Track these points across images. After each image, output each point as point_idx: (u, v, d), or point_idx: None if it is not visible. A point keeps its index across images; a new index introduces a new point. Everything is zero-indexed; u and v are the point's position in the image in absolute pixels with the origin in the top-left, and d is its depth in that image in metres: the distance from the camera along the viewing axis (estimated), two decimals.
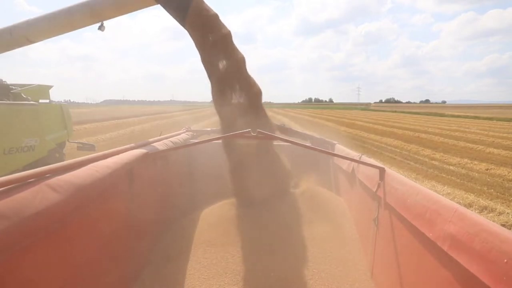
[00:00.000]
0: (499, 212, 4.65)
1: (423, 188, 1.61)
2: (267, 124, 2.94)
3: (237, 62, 2.85)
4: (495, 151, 10.45)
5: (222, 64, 2.82)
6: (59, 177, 1.33)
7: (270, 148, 3.12)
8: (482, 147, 11.36)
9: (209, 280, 2.07)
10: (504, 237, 0.98)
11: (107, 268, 1.71)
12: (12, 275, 1.04)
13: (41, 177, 1.28)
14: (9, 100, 4.22)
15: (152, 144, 2.67)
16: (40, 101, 4.81)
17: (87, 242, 1.50)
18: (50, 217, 1.18)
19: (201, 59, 2.86)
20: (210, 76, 2.86)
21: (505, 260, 0.93)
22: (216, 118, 3.06)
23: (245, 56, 2.92)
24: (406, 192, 1.67)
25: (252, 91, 2.86)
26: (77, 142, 5.86)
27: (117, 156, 1.94)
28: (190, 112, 46.35)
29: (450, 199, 1.43)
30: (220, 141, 3.03)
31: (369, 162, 2.29)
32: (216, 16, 2.81)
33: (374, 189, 2.10)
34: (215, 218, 2.82)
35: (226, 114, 2.84)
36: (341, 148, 3.40)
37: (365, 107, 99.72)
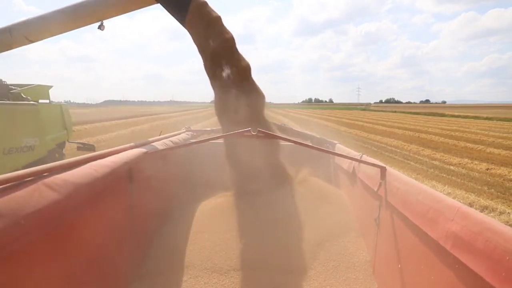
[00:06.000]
0: (500, 212, 4.65)
1: (425, 187, 1.60)
2: (259, 98, 2.95)
3: (242, 69, 2.85)
4: (496, 151, 10.44)
5: (225, 73, 2.81)
6: (57, 176, 1.32)
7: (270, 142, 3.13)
8: (483, 147, 11.35)
9: (208, 274, 2.09)
10: (508, 236, 0.97)
11: (105, 267, 1.69)
12: (9, 274, 1.03)
13: (39, 175, 1.27)
14: (9, 100, 4.21)
15: (151, 144, 2.65)
16: (40, 101, 4.81)
17: (85, 241, 1.48)
18: (48, 216, 1.16)
19: (204, 65, 2.87)
20: (213, 85, 2.89)
21: (507, 258, 0.92)
22: (215, 119, 3.06)
23: (244, 56, 2.91)
24: (408, 191, 1.66)
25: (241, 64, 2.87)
26: (77, 142, 5.86)
27: (116, 155, 1.93)
28: (190, 112, 46.37)
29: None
30: (219, 140, 3.02)
31: (370, 161, 2.28)
32: (218, 18, 2.80)
33: (376, 188, 2.09)
34: (214, 208, 2.84)
35: (218, 86, 2.87)
36: (341, 148, 3.39)
37: (365, 107, 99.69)
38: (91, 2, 3.02)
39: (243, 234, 2.41)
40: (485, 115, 36.20)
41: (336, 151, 3.23)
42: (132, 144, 2.38)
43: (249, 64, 2.87)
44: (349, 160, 2.74)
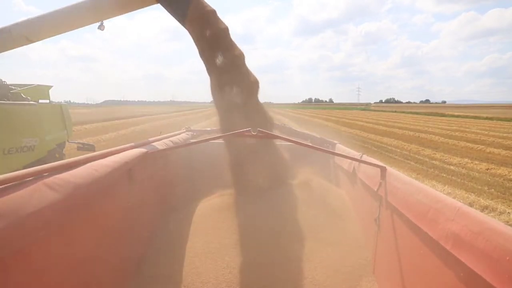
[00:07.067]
0: (500, 212, 4.65)
1: (425, 186, 1.60)
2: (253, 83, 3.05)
3: (235, 57, 2.92)
4: (496, 150, 10.44)
5: (219, 60, 2.92)
6: (58, 176, 1.32)
7: (269, 141, 3.15)
8: (483, 147, 11.35)
9: (206, 271, 2.08)
10: (508, 236, 0.97)
11: (104, 267, 1.69)
12: (10, 274, 1.03)
13: (39, 175, 1.27)
14: (9, 100, 4.21)
15: (151, 144, 2.66)
16: (40, 101, 4.81)
17: (85, 241, 1.49)
18: (48, 216, 1.16)
19: (199, 53, 2.93)
20: (209, 72, 2.96)
21: (508, 258, 0.92)
22: (215, 119, 3.08)
23: (244, 56, 3.00)
24: (408, 191, 1.66)
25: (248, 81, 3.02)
26: (77, 142, 5.86)
27: (116, 155, 1.93)
28: (191, 112, 46.36)
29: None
30: (219, 140, 3.02)
31: (370, 161, 2.28)
32: (213, 12, 2.86)
33: (376, 188, 2.09)
34: (214, 208, 2.84)
35: (215, 75, 2.98)
36: (341, 148, 3.39)
37: (365, 107, 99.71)
38: (91, 2, 3.02)
39: (243, 238, 2.39)
40: (485, 115, 36.19)
41: (336, 151, 3.23)
42: (132, 144, 2.38)
43: (242, 52, 3.00)
44: (349, 160, 2.74)
